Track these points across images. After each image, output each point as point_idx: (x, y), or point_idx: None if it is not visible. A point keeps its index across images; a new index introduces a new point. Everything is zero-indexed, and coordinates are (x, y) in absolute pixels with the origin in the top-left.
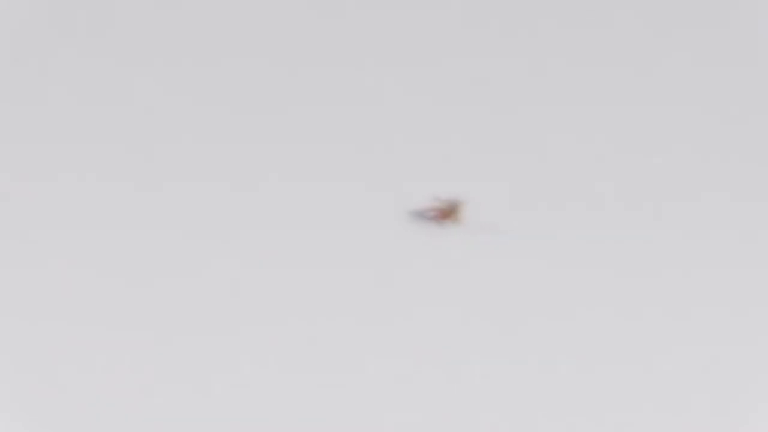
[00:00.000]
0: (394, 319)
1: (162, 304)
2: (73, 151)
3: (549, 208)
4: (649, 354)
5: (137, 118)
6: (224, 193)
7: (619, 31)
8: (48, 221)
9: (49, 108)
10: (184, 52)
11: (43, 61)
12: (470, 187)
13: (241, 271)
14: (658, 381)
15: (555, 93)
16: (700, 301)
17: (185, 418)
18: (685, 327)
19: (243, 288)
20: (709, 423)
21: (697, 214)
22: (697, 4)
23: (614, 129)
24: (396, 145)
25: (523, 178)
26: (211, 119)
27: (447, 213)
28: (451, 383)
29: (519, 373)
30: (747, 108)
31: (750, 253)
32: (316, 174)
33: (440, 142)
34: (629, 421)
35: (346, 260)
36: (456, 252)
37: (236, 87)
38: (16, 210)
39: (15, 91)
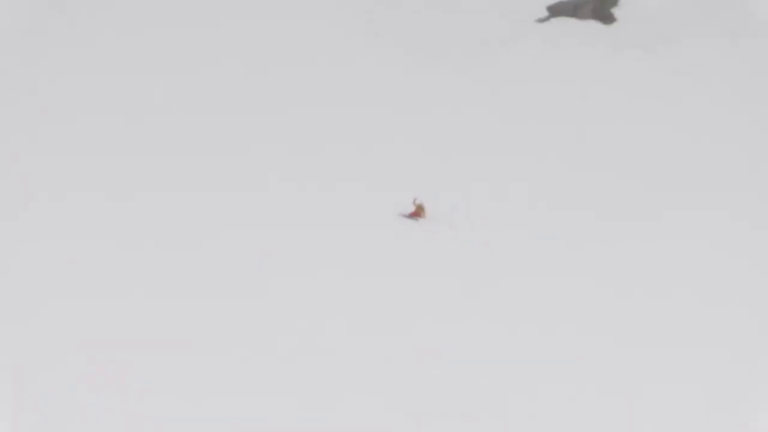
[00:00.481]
0: (391, 316)
1: (160, 304)
2: (73, 156)
3: (549, 208)
4: (649, 357)
5: (137, 121)
6: (220, 196)
7: (617, 31)
8: (47, 227)
9: (49, 112)
10: (185, 54)
11: (40, 66)
12: (464, 188)
13: (240, 269)
14: (657, 380)
15: (552, 93)
16: (698, 301)
17: (184, 418)
18: (684, 326)
19: (239, 285)
20: (709, 423)
21: (698, 215)
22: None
23: (614, 129)
24: (388, 148)
25: (519, 179)
26: (210, 122)
27: (418, 212)
28: (448, 380)
29: (517, 373)
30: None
31: (750, 254)
32: (308, 178)
33: (431, 145)
34: (629, 419)
35: (342, 259)
36: (450, 250)
37: (236, 90)
38: (15, 215)
39: (13, 92)
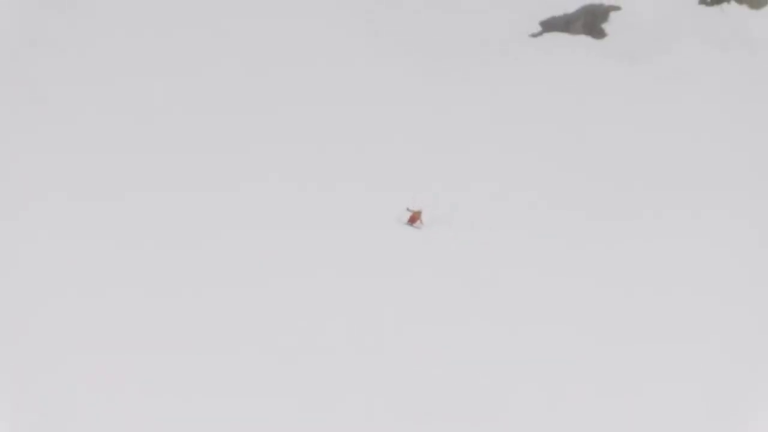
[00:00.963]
0: (390, 316)
1: (160, 304)
2: (73, 156)
3: (549, 208)
4: (649, 356)
5: (136, 121)
6: (220, 196)
7: (608, 44)
8: (47, 227)
9: (49, 112)
10: (185, 54)
11: (40, 66)
12: (465, 189)
13: (239, 269)
14: (657, 380)
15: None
16: (699, 300)
17: (183, 418)
18: (684, 326)
19: (239, 285)
20: (709, 423)
21: (697, 214)
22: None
23: (611, 132)
24: (388, 148)
25: (516, 180)
26: (210, 122)
27: (415, 218)
28: (448, 380)
29: (517, 373)
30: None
31: (750, 254)
32: (308, 178)
33: (431, 145)
34: (629, 419)
35: (342, 259)
36: (450, 250)
37: (236, 90)
38: (15, 215)
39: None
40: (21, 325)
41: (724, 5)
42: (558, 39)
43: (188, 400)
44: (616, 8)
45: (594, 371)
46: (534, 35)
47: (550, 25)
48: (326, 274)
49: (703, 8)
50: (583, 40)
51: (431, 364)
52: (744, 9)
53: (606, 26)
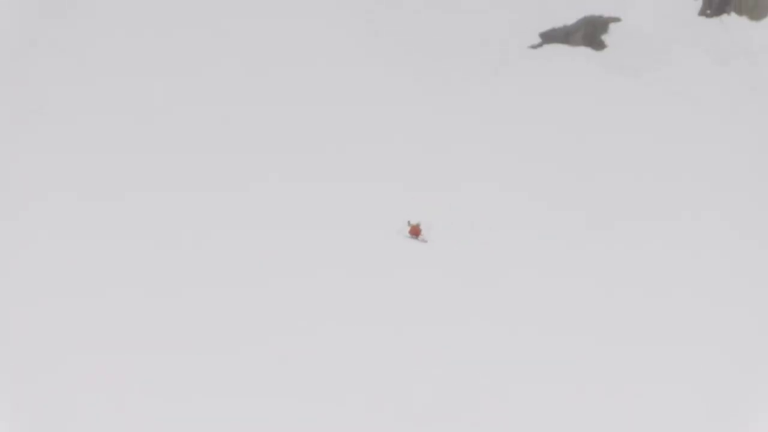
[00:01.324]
0: (390, 316)
1: (160, 304)
2: (73, 156)
3: (549, 209)
4: (649, 357)
5: (136, 121)
6: (220, 196)
7: (607, 56)
8: (47, 227)
9: (49, 112)
10: (185, 54)
11: (41, 66)
12: (464, 190)
13: (239, 269)
14: (656, 380)
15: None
16: (698, 301)
17: (183, 418)
18: (684, 326)
19: (239, 285)
20: (709, 423)
21: (696, 216)
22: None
23: (611, 135)
24: (388, 148)
25: (516, 181)
26: (210, 122)
27: (415, 231)
28: (448, 380)
29: (517, 373)
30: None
31: (749, 254)
32: (308, 178)
33: (431, 145)
34: (629, 419)
35: (341, 259)
36: (450, 250)
37: (236, 90)
38: (15, 215)
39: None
40: (21, 325)
41: (724, 17)
42: (558, 49)
43: (188, 400)
44: (616, 19)
45: (594, 371)
46: (534, 47)
47: (550, 37)
48: (326, 274)
49: (703, 20)
50: (583, 51)
51: (431, 364)
52: (744, 20)
53: (606, 38)
